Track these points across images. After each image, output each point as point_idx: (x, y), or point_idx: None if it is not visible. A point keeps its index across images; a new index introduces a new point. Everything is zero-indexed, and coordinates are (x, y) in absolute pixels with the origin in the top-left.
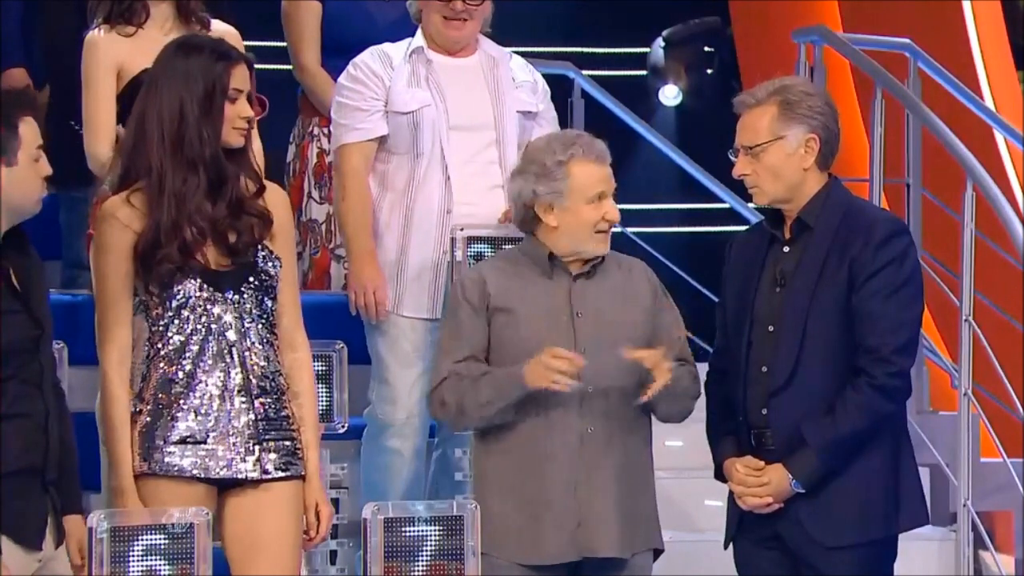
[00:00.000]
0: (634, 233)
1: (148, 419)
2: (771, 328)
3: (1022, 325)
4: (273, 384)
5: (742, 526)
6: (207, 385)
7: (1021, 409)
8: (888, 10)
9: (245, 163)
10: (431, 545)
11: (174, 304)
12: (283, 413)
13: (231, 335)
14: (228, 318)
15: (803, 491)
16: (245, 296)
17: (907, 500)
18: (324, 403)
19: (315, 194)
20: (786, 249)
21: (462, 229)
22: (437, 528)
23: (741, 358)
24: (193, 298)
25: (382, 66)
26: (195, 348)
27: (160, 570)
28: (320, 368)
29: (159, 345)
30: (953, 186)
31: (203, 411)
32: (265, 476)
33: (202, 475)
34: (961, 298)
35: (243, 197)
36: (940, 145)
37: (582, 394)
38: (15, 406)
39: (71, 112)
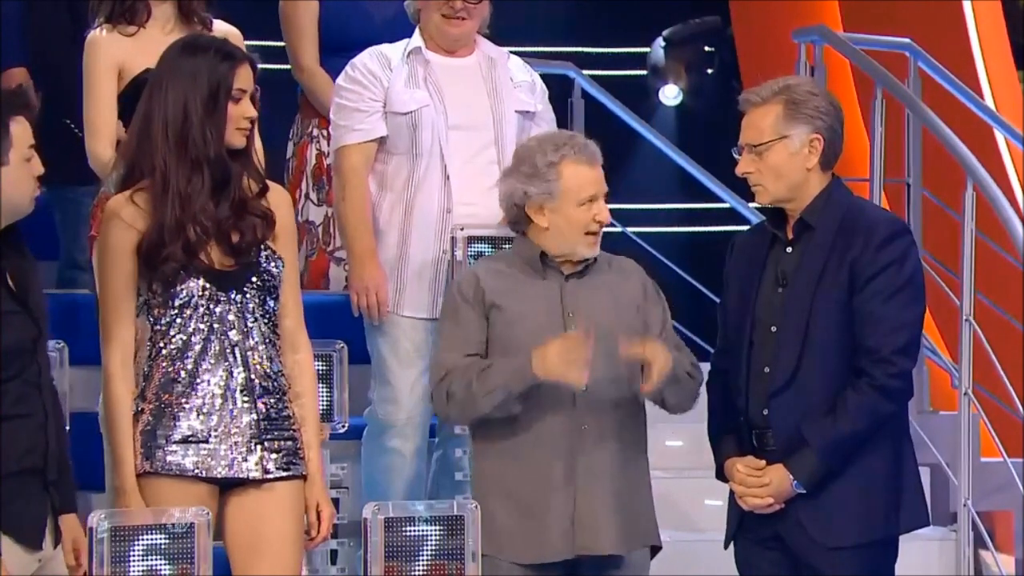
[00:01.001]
0: (634, 233)
1: (150, 418)
2: (773, 329)
3: (1022, 325)
4: (275, 384)
5: (742, 526)
6: (210, 384)
7: (1021, 409)
8: (888, 10)
9: (248, 163)
10: (431, 545)
11: (177, 303)
12: (285, 413)
13: (234, 335)
14: (231, 318)
15: (804, 491)
16: (248, 296)
17: (908, 500)
18: (324, 403)
19: (313, 196)
20: (788, 249)
21: (462, 229)
22: (437, 528)
23: (742, 358)
24: (196, 297)
25: (380, 67)
26: (198, 347)
27: (160, 570)
28: (320, 368)
29: (161, 344)
30: (953, 186)
31: (205, 410)
32: (267, 476)
33: (204, 475)
34: (961, 298)
35: (246, 197)
36: (940, 145)
37: (576, 392)
38: (16, 407)
39: (63, 111)
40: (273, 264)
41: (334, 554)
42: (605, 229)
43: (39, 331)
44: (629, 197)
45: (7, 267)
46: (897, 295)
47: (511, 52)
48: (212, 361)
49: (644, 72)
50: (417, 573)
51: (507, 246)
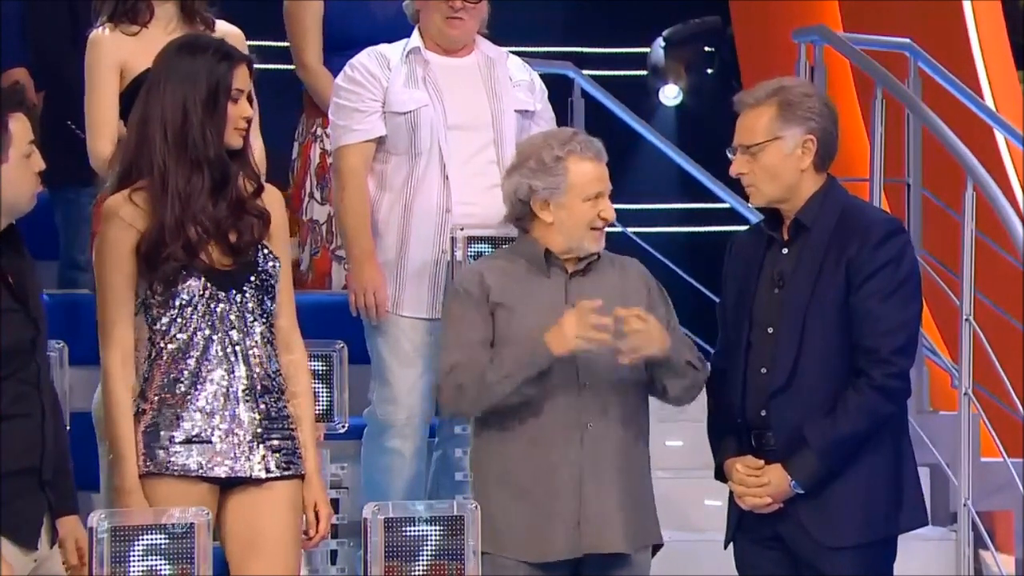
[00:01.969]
0: (634, 233)
1: (152, 418)
2: (770, 330)
3: (1022, 325)
4: (275, 383)
5: (742, 526)
6: (212, 384)
7: (1021, 409)
8: (888, 10)
9: (245, 163)
10: (431, 545)
11: (178, 303)
12: (284, 412)
13: (235, 334)
14: (232, 317)
15: (802, 492)
16: (247, 295)
17: (908, 500)
18: (324, 403)
19: (317, 194)
20: (784, 250)
21: (462, 229)
22: (437, 528)
23: (740, 359)
24: (197, 296)
25: (379, 67)
26: (199, 347)
27: (160, 570)
28: (320, 368)
29: (162, 344)
30: (953, 186)
31: (208, 410)
32: (269, 475)
33: (207, 474)
34: (961, 298)
35: (243, 197)
36: (940, 145)
37: (579, 389)
38: (14, 406)
39: (65, 112)
40: (271, 264)
41: (334, 554)
42: (606, 229)
43: (37, 330)
44: (629, 197)
45: (6, 266)
46: (894, 294)
47: (511, 52)
48: (214, 361)
49: (644, 72)
50: (417, 573)
51: (507, 246)
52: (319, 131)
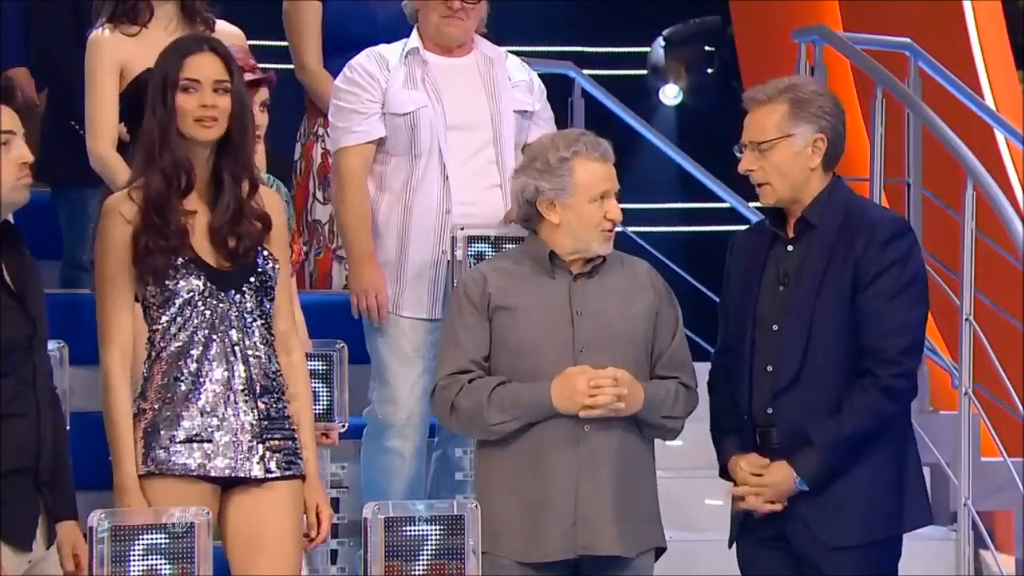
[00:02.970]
0: (634, 233)
1: (152, 418)
2: (775, 327)
3: (1022, 325)
4: (274, 383)
5: (745, 526)
6: (212, 383)
7: (1021, 409)
8: (888, 10)
9: (235, 160)
10: (431, 545)
11: (177, 302)
12: (285, 412)
13: (234, 334)
14: (231, 317)
15: (807, 489)
16: (246, 296)
17: (912, 499)
18: (324, 403)
19: (319, 195)
20: (789, 248)
21: (462, 229)
22: (437, 528)
23: (744, 357)
24: (196, 296)
25: (378, 68)
26: (199, 347)
27: (160, 570)
28: (320, 368)
29: (162, 344)
30: (953, 186)
31: (208, 410)
32: (268, 475)
33: (207, 474)
34: (961, 298)
35: (242, 199)
36: (940, 145)
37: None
38: (10, 405)
39: (68, 112)
40: (270, 265)
41: (334, 554)
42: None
43: (35, 329)
44: (629, 197)
45: (5, 263)
46: (901, 295)
47: (511, 52)
48: (214, 360)
49: (644, 72)
50: (417, 573)
51: (507, 246)
52: (321, 131)
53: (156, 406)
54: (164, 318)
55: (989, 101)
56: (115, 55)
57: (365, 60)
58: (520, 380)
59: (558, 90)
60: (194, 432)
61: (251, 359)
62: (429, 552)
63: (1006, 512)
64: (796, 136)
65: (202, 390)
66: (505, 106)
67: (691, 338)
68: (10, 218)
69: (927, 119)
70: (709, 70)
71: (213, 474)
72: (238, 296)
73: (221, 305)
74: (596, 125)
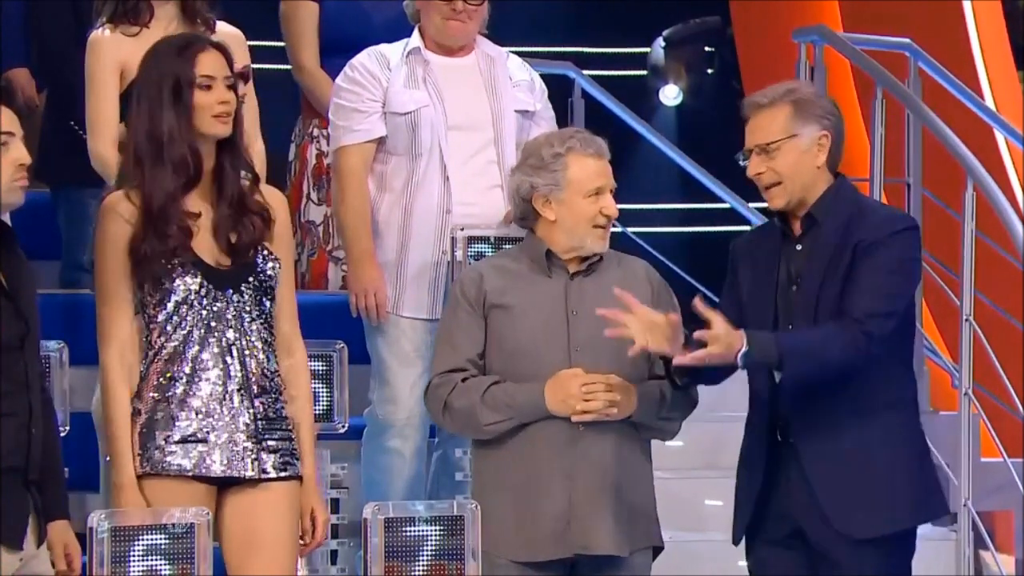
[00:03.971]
0: (634, 233)
1: (148, 418)
2: (790, 327)
3: (1022, 325)
4: (272, 384)
5: (759, 527)
6: (208, 383)
7: (1021, 409)
8: (888, 10)
9: (236, 155)
10: (431, 545)
11: (174, 301)
12: (282, 413)
13: (231, 334)
14: (228, 316)
15: (739, 365)
16: (245, 295)
17: (930, 488)
18: (324, 403)
19: (313, 195)
20: (798, 247)
21: (462, 229)
22: (437, 528)
23: None
24: (193, 295)
25: (379, 67)
26: (195, 347)
27: (160, 570)
28: (320, 368)
29: (159, 343)
30: (953, 186)
31: (203, 410)
32: (264, 476)
33: (202, 474)
34: (961, 298)
35: (244, 194)
36: (940, 145)
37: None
38: (1, 405)
39: (68, 113)
40: (270, 265)
41: (334, 554)
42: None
43: (27, 329)
44: (629, 197)
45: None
46: (886, 269)
47: (511, 52)
48: (210, 361)
49: (644, 72)
50: (417, 573)
51: (507, 246)
52: (316, 132)
53: (152, 406)
54: (161, 317)
55: (989, 101)
56: (115, 55)
57: (366, 59)
58: (515, 379)
59: (558, 91)
60: (189, 432)
61: (248, 359)
62: (429, 552)
63: (1006, 512)
64: (801, 136)
65: (197, 390)
66: (506, 106)
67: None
68: (6, 218)
69: (927, 119)
70: (709, 70)
71: (208, 474)
72: (236, 295)
73: (218, 304)
74: (596, 125)
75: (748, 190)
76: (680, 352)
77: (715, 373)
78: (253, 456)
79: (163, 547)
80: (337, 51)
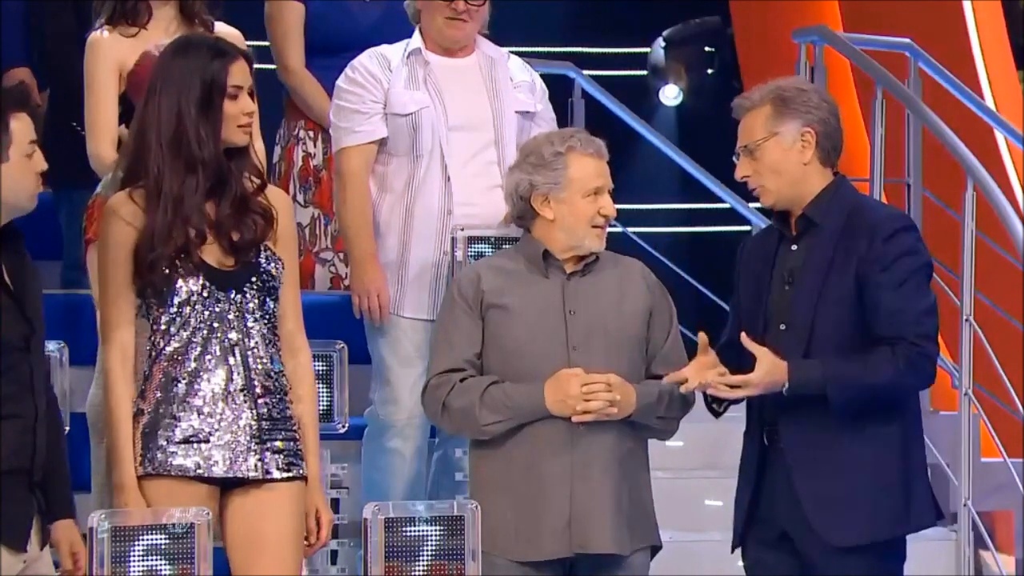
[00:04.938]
0: (634, 233)
1: (150, 419)
2: (782, 327)
3: (1022, 325)
4: (276, 384)
5: (752, 529)
6: (210, 384)
7: (1021, 409)
8: (888, 10)
9: (246, 159)
10: (431, 545)
11: (176, 302)
12: (286, 413)
13: (233, 335)
14: (230, 317)
15: (784, 393)
16: (248, 296)
17: (917, 499)
18: (324, 403)
19: (299, 197)
20: (794, 247)
21: (463, 229)
22: (438, 528)
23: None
24: (196, 296)
25: (380, 68)
26: (198, 347)
27: (160, 570)
28: (320, 368)
29: (161, 344)
30: (953, 186)
31: (206, 411)
32: (267, 476)
33: (205, 475)
34: (961, 298)
35: (247, 194)
36: (940, 145)
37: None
38: (6, 406)
39: (70, 113)
40: (273, 265)
41: (334, 554)
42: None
43: (32, 330)
44: (629, 197)
45: (5, 264)
46: (909, 282)
47: (511, 52)
48: (212, 361)
49: (644, 72)
50: (417, 573)
51: (507, 246)
52: (301, 134)
53: (154, 406)
54: (164, 318)
55: (989, 101)
56: (114, 56)
57: (367, 60)
58: (513, 379)
59: (558, 91)
60: (191, 433)
61: (251, 360)
62: (429, 552)
63: (1006, 512)
64: (782, 133)
65: (200, 391)
66: (507, 107)
67: (690, 338)
68: None
69: (927, 119)
70: (709, 71)
71: (210, 475)
72: (238, 296)
73: (220, 305)
74: (596, 126)
75: (748, 190)
76: (726, 390)
77: None
78: (257, 456)
79: (163, 547)
80: (322, 52)
